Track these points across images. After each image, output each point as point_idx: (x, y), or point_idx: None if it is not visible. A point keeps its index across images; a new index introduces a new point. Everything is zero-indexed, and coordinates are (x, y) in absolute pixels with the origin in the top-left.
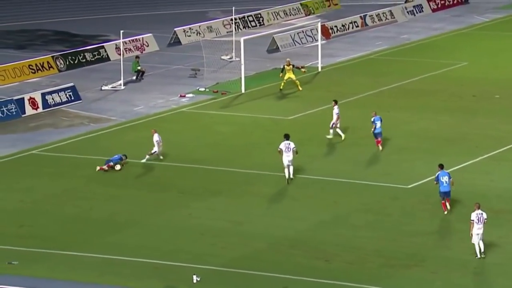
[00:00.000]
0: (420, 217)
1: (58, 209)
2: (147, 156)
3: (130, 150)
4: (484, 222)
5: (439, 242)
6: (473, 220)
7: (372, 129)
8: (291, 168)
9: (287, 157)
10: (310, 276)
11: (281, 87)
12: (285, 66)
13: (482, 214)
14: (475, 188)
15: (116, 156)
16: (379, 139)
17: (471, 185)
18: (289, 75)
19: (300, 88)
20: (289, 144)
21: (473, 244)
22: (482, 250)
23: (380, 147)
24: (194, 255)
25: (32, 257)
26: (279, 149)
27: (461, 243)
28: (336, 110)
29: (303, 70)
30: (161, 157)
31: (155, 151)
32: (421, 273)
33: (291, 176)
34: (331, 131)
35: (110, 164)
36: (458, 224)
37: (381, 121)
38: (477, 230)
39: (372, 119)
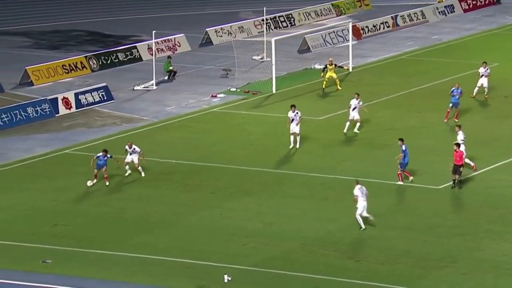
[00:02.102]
0: (451, 218)
1: (91, 209)
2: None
3: (162, 150)
4: (366, 195)
5: (471, 243)
6: (357, 196)
7: (457, 96)
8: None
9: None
10: (341, 276)
11: (323, 86)
12: (327, 66)
13: (362, 188)
14: (506, 189)
15: (100, 159)
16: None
17: (502, 186)
18: (331, 74)
19: (340, 88)
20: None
21: (357, 217)
22: (371, 218)
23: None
24: (225, 255)
25: (65, 255)
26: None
27: (493, 244)
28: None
29: (346, 67)
30: (143, 174)
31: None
32: (452, 274)
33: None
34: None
35: (96, 172)
36: (489, 225)
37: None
38: (362, 203)
39: (459, 90)
